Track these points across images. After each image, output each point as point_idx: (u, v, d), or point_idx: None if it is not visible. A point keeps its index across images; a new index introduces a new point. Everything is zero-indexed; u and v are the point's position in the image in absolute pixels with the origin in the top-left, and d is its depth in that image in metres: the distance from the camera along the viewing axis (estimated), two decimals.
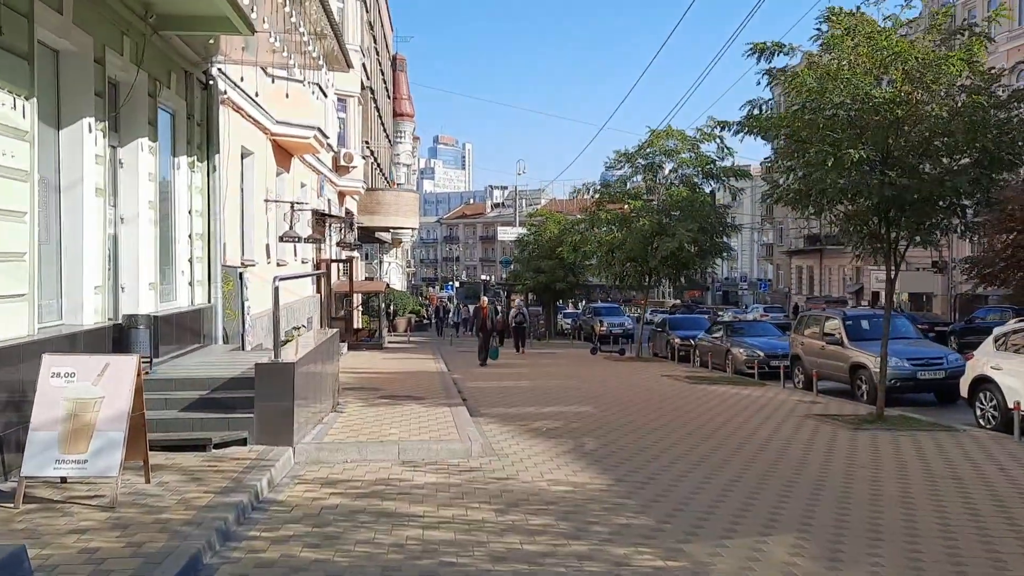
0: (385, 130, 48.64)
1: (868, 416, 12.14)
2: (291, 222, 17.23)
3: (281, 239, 17.11)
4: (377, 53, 42.11)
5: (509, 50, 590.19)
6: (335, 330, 11.85)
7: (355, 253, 32.36)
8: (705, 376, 19.48)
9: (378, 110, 42.66)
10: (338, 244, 25.96)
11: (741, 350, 21.00)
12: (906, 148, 11.34)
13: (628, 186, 26.37)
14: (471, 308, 43.02)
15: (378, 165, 43.44)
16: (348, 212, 30.32)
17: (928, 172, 11.41)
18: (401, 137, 62.29)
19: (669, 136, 25.40)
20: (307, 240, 21.13)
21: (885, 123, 10.92)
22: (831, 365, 16.19)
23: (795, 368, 17.71)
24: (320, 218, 23.00)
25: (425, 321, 51.77)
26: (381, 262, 52.71)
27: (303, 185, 21.47)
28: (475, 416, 11.60)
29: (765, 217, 75.07)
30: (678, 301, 71.67)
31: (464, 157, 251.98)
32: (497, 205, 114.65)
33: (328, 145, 26.14)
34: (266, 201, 16.57)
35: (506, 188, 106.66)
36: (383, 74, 46.55)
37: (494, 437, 9.88)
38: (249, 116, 14.99)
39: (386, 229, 39.25)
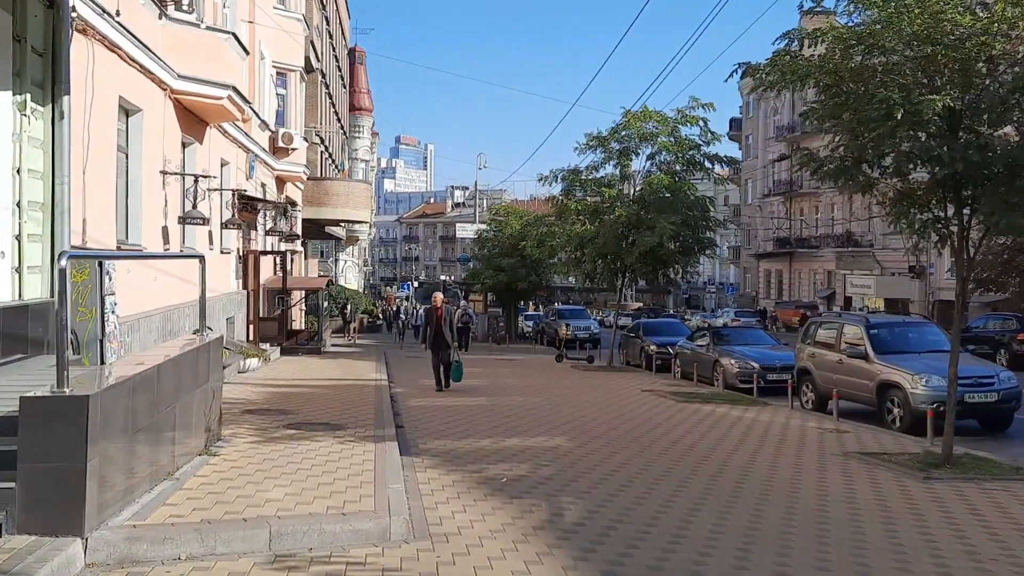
0: (339, 120, 45.30)
1: (928, 456, 9.24)
2: (194, 200, 13.94)
3: (181, 221, 13.82)
4: (330, 36, 38.81)
5: (480, 38, 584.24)
6: (217, 335, 8.61)
7: (297, 246, 29.01)
8: (693, 392, 16.56)
9: (330, 96, 39.31)
10: (268, 232, 22.56)
11: (732, 361, 18.12)
12: (982, 105, 8.53)
13: (601, 173, 23.37)
14: (421, 310, 38.55)
15: (330, 155, 40.11)
16: (288, 199, 26.96)
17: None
18: (359, 132, 59.36)
19: (646, 118, 22.46)
20: (227, 225, 17.84)
21: (970, 64, 8.08)
22: (852, 383, 13.33)
23: (803, 385, 14.83)
24: (247, 202, 19.64)
25: (378, 322, 48.59)
26: (337, 260, 49.38)
27: (225, 163, 18.13)
28: (410, 455, 8.52)
29: (731, 219, 72.83)
30: (641, 304, 68.95)
31: (426, 158, 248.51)
32: (458, 205, 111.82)
33: (263, 122, 22.84)
34: (163, 173, 13.26)
35: (467, 188, 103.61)
36: (337, 60, 43.23)
37: (431, 496, 6.79)
38: (132, 60, 11.65)
39: (336, 223, 35.92)
